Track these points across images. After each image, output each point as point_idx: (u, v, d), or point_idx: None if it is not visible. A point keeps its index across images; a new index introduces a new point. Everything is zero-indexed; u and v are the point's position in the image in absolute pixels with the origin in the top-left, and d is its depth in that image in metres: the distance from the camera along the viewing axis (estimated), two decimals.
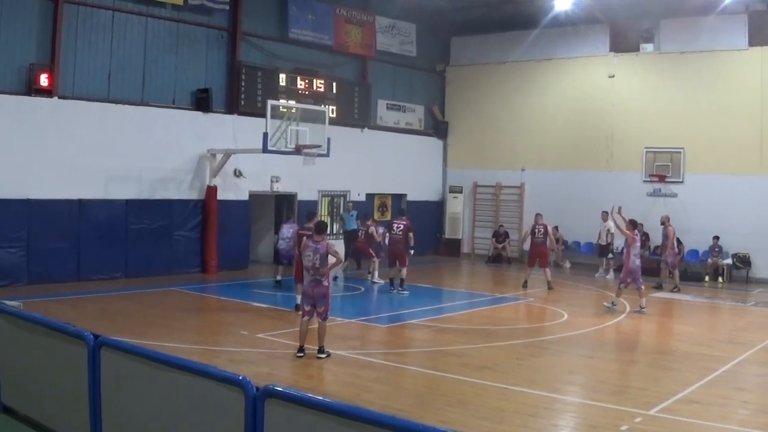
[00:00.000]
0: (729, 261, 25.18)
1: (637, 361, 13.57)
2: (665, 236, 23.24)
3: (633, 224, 18.90)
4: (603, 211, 25.17)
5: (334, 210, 27.55)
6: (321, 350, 12.70)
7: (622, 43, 28.20)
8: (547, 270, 22.32)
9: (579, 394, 11.35)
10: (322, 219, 22.96)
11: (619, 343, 15.16)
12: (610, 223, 25.13)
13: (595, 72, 28.40)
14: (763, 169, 24.76)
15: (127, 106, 21.39)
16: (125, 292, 18.88)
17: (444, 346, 14.52)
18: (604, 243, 25.41)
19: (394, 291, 20.13)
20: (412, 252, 21.07)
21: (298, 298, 15.39)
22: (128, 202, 21.28)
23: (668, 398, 10.64)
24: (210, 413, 5.93)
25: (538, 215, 22.95)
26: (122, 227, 21.13)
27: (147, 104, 21.94)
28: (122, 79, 21.40)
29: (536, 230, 22.33)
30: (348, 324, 15.95)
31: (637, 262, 18.45)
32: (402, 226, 20.55)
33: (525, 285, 22.16)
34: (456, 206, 31.31)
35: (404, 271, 20.25)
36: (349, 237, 23.93)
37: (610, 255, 25.44)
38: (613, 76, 27.99)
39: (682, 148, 26.35)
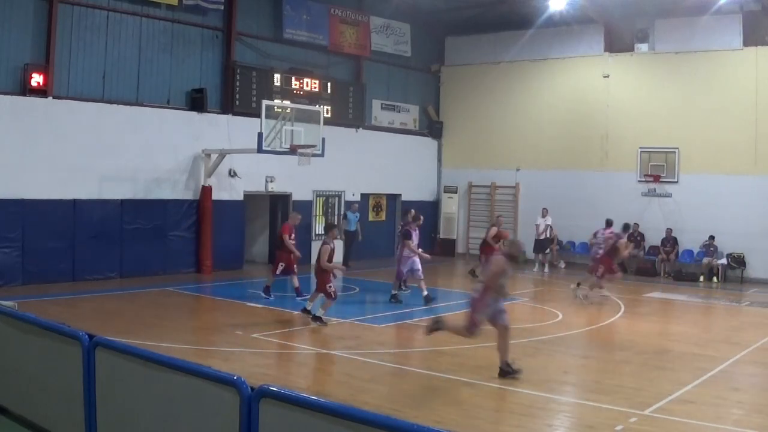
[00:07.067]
0: (724, 261, 25.21)
1: (632, 361, 13.57)
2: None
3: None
4: (543, 208, 26.63)
5: (329, 210, 27.56)
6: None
7: (617, 43, 28.25)
8: None
9: (574, 394, 11.36)
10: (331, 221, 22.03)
11: (614, 343, 15.18)
12: (550, 219, 25.69)
13: (590, 72, 28.42)
14: (758, 169, 24.79)
15: (121, 106, 21.37)
16: (120, 292, 18.86)
17: (439, 346, 14.52)
18: (542, 238, 26.15)
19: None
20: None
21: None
22: (123, 202, 21.25)
23: (663, 398, 10.66)
24: (205, 413, 5.92)
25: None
26: (117, 227, 21.10)
27: (142, 104, 21.93)
28: (117, 79, 21.38)
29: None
30: (343, 324, 15.95)
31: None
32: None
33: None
34: (451, 206, 31.32)
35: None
36: (349, 238, 25.22)
37: (548, 251, 25.71)
38: (607, 76, 28.02)
39: (677, 148, 26.38)
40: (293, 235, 18.85)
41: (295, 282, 18.69)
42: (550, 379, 11.98)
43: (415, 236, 19.11)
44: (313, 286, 16.54)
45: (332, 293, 15.53)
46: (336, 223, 18.16)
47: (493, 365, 12.72)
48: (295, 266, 18.64)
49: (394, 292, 19.05)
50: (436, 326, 12.00)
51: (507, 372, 11.55)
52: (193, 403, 6.04)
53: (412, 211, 20.31)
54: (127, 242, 21.30)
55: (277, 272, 18.49)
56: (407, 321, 16.68)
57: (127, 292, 18.94)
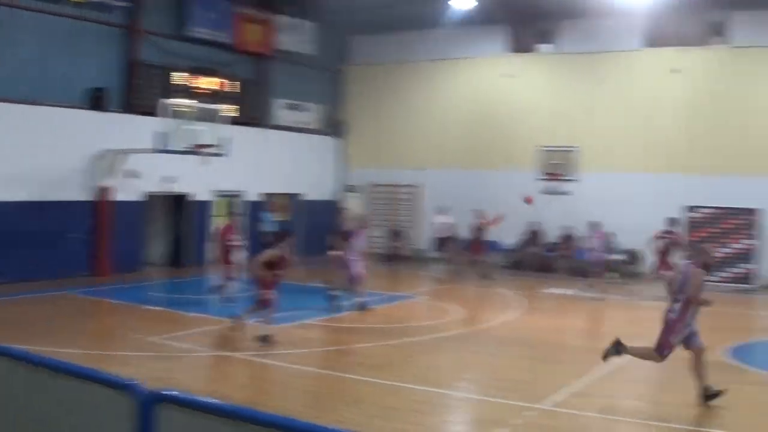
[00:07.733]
0: (620, 257, 25.84)
1: (530, 356, 13.84)
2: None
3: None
4: (440, 206, 27.15)
5: (233, 211, 27.20)
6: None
7: (521, 43, 28.79)
8: None
9: (471, 389, 11.55)
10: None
11: (511, 339, 15.42)
12: (451, 217, 26.03)
13: (493, 72, 28.88)
14: (652, 167, 25.64)
15: (18, 104, 20.65)
16: (13, 297, 18.23)
17: (339, 346, 14.59)
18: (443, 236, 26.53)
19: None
20: None
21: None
22: (17, 205, 20.52)
23: (561, 392, 10.92)
24: (98, 419, 5.78)
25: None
26: (11, 230, 20.38)
27: (39, 103, 21.26)
28: (13, 77, 20.67)
29: None
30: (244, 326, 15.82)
31: None
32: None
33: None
34: (354, 205, 31.30)
35: None
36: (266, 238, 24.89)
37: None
38: (511, 76, 28.49)
39: (577, 147, 27.05)
40: (232, 237, 18.87)
41: (221, 281, 18.65)
42: (450, 375, 12.15)
43: (360, 240, 18.55)
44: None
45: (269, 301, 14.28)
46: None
47: (393, 363, 12.85)
48: (230, 267, 18.51)
49: (334, 294, 18.21)
50: (615, 351, 10.97)
51: (711, 396, 10.37)
52: (84, 409, 5.89)
53: (349, 212, 20.25)
54: (22, 245, 20.54)
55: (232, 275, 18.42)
56: (308, 321, 16.61)
57: (20, 297, 18.30)
